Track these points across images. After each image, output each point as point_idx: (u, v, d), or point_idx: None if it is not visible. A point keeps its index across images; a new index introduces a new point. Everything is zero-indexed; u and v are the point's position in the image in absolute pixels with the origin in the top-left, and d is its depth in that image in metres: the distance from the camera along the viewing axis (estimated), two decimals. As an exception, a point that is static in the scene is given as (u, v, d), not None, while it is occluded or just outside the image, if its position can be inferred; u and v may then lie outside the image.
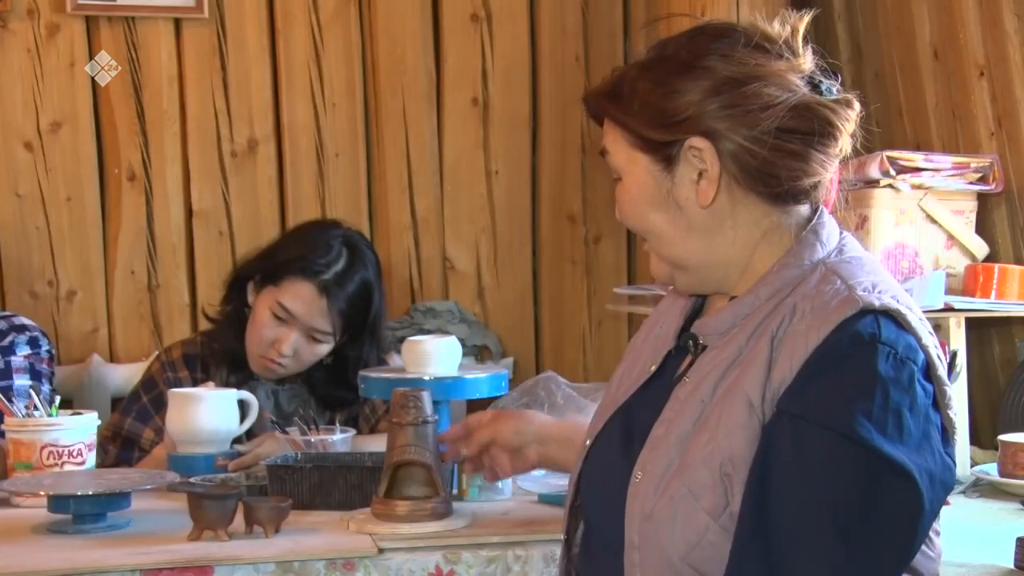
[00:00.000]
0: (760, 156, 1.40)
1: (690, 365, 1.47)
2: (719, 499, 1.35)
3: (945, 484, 1.35)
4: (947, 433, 1.36)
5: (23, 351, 2.58)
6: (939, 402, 1.36)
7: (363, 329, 2.54)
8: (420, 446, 1.90)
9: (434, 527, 1.90)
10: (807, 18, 1.46)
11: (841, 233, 1.48)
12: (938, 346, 1.38)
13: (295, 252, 2.51)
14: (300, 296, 2.47)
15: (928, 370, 1.35)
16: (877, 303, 1.34)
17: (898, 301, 1.36)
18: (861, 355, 1.31)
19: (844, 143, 1.45)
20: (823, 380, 1.32)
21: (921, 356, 1.34)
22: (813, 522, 1.29)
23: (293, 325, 2.48)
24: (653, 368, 1.52)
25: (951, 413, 1.37)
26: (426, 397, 1.93)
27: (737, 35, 1.44)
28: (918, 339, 1.35)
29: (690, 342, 1.49)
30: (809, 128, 1.41)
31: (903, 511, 1.30)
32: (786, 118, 1.39)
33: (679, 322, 1.55)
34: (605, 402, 1.58)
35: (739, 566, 1.32)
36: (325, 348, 2.53)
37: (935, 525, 1.43)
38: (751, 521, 1.32)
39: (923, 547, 1.40)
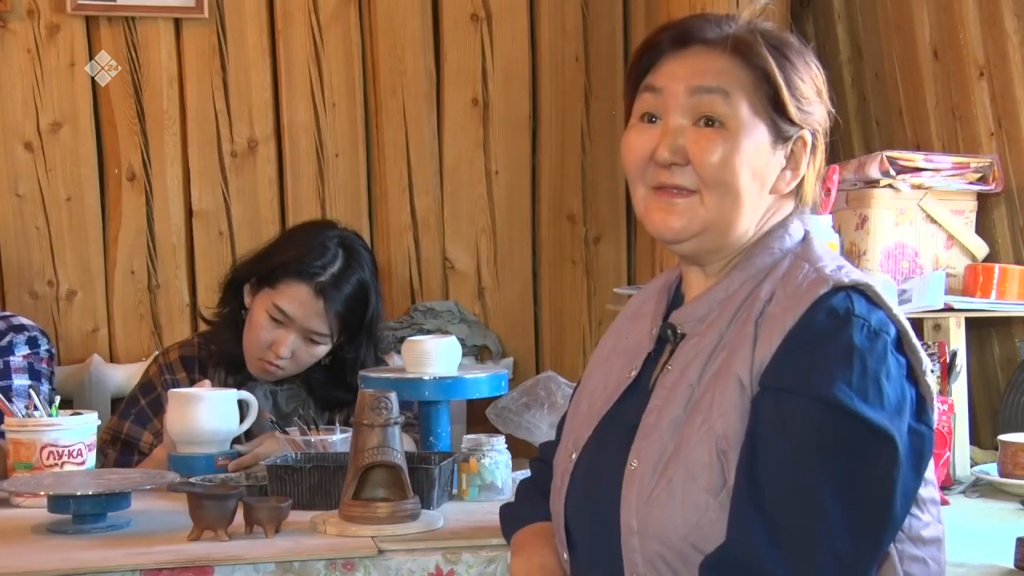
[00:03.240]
0: (823, 158, 1.53)
1: (670, 355, 1.51)
2: (717, 477, 1.39)
3: (915, 449, 1.39)
4: (924, 401, 1.42)
5: (22, 351, 2.58)
6: (915, 371, 1.41)
7: (360, 330, 2.54)
8: (390, 447, 1.90)
9: (416, 527, 1.90)
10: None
11: (806, 229, 1.55)
12: (907, 318, 1.44)
13: (291, 254, 2.50)
14: (297, 298, 2.47)
15: (900, 342, 1.41)
16: (847, 280, 1.41)
17: (864, 278, 1.43)
18: (837, 328, 1.38)
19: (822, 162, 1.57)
20: (802, 354, 1.37)
21: (893, 329, 1.40)
22: (802, 486, 1.34)
23: (290, 327, 2.48)
24: (634, 373, 1.55)
25: (928, 379, 1.42)
26: (394, 398, 1.92)
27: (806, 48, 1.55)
28: (888, 312, 1.41)
29: (668, 332, 1.53)
30: (826, 135, 1.54)
31: (884, 472, 1.35)
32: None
33: (657, 323, 1.57)
34: (582, 416, 1.59)
35: (738, 531, 1.35)
36: (323, 349, 2.53)
37: (933, 494, 1.47)
38: (745, 489, 1.36)
39: (920, 513, 1.44)
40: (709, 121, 1.47)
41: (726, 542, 1.36)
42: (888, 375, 1.37)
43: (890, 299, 1.43)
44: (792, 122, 1.48)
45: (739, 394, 1.40)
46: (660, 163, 1.48)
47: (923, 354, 1.42)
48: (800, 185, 1.52)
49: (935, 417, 1.44)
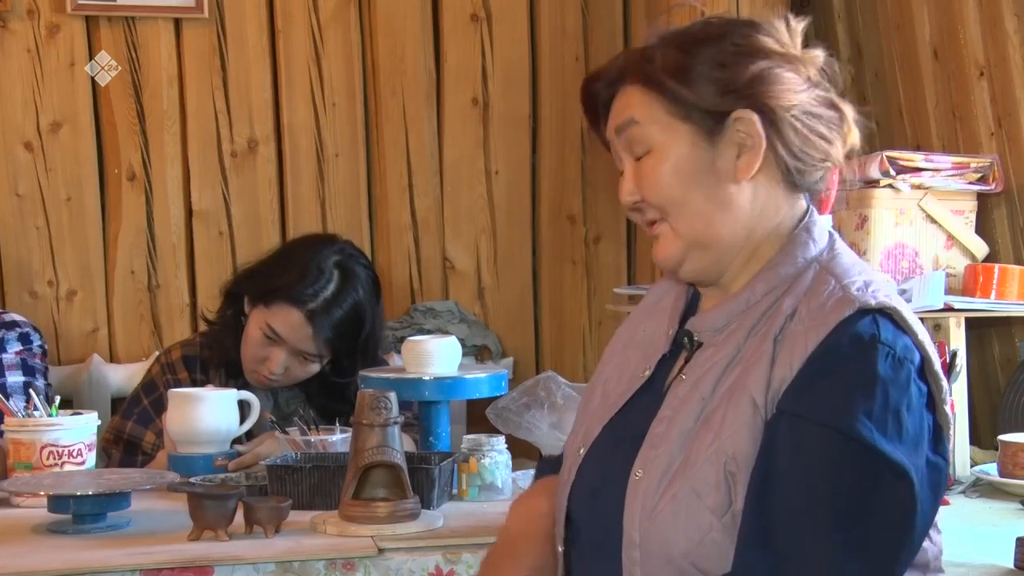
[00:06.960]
0: (801, 133, 1.43)
1: (685, 363, 1.48)
2: (723, 497, 1.36)
3: (932, 483, 1.36)
4: (941, 431, 1.38)
5: (14, 348, 2.58)
6: (935, 398, 1.37)
7: (355, 350, 2.54)
8: (390, 447, 1.90)
9: (416, 527, 1.90)
10: (805, 22, 1.49)
11: (830, 232, 1.50)
12: (932, 342, 1.39)
13: (285, 279, 2.50)
14: (287, 322, 2.48)
15: (923, 368, 1.37)
16: (873, 302, 1.36)
17: (891, 300, 1.38)
18: (861, 356, 1.33)
19: (853, 136, 1.48)
20: (824, 381, 1.33)
21: (918, 356, 1.36)
22: (814, 518, 1.30)
23: (282, 346, 2.50)
24: (648, 373, 1.52)
25: (946, 408, 1.38)
26: (394, 398, 1.92)
27: (751, 24, 1.48)
28: (914, 338, 1.36)
29: (685, 339, 1.50)
30: (831, 116, 1.45)
31: (899, 509, 1.32)
32: (813, 103, 1.44)
33: (674, 324, 1.55)
34: (594, 410, 1.57)
35: (743, 562, 1.33)
36: (316, 367, 2.54)
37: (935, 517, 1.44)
38: (754, 519, 1.33)
39: (927, 543, 1.41)
40: (642, 152, 1.48)
41: (731, 571, 1.33)
42: (909, 406, 1.33)
43: (917, 322, 1.38)
44: (710, 111, 1.43)
45: (752, 414, 1.36)
46: (628, 208, 1.51)
47: (944, 381, 1.38)
48: (783, 165, 1.44)
49: (951, 447, 1.41)
